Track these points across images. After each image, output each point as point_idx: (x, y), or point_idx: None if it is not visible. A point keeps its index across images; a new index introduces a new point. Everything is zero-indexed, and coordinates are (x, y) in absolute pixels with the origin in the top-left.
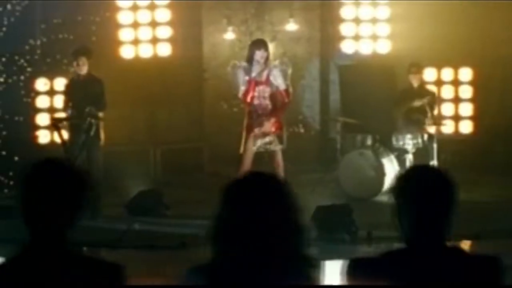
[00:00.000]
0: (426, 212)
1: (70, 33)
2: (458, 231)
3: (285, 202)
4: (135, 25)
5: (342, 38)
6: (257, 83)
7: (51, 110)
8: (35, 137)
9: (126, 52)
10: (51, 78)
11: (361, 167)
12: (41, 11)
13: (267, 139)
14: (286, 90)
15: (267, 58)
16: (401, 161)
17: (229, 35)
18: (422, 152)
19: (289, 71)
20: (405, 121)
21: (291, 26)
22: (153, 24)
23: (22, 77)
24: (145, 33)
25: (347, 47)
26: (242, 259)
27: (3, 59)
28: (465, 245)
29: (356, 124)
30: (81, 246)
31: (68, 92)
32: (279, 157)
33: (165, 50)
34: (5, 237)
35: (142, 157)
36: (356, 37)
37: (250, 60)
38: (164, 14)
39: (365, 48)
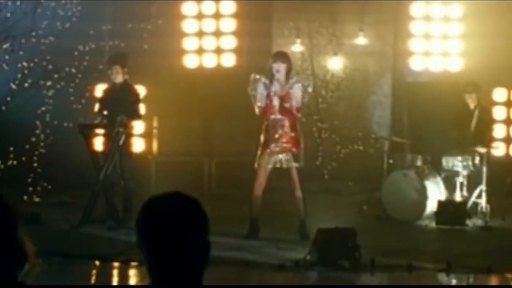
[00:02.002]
0: (166, 249)
1: (121, 40)
2: None
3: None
4: (199, 34)
5: (411, 54)
6: (277, 98)
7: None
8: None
9: (190, 61)
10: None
11: (403, 189)
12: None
13: (282, 156)
14: (299, 107)
15: (288, 72)
16: (450, 184)
17: (297, 47)
18: (475, 175)
19: (310, 89)
20: (457, 143)
21: (361, 40)
22: (218, 33)
23: (72, 84)
24: (209, 42)
25: (416, 63)
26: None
27: (51, 66)
28: None
29: (405, 143)
30: (87, 258)
31: (102, 100)
32: (295, 175)
33: (229, 60)
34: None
35: (197, 168)
36: (427, 54)
37: (270, 74)
38: (229, 24)
39: (435, 65)
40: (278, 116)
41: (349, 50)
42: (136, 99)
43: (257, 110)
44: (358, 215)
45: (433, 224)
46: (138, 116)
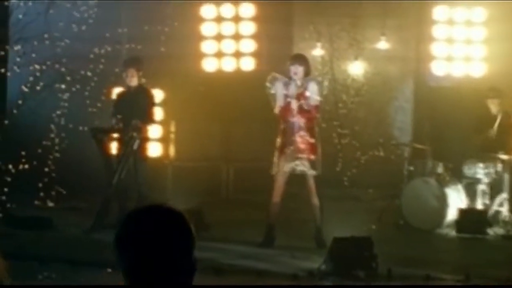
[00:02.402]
0: (146, 266)
1: (138, 43)
2: None
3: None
4: (219, 37)
5: (433, 58)
6: (295, 101)
7: None
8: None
9: (209, 65)
10: None
11: (423, 196)
12: (106, 21)
13: (299, 162)
14: (317, 106)
15: (306, 75)
16: (472, 191)
17: (318, 51)
18: (497, 182)
19: (324, 90)
20: (479, 149)
21: (383, 45)
22: (237, 36)
23: (87, 87)
24: (228, 46)
25: (438, 68)
26: None
27: (64, 69)
28: None
29: (426, 149)
30: (97, 265)
31: (117, 103)
32: (311, 183)
33: (248, 64)
34: None
35: (214, 174)
36: (449, 58)
37: (288, 77)
38: (248, 27)
39: (458, 70)
40: (296, 119)
41: (370, 55)
42: (151, 103)
43: (277, 110)
44: (378, 223)
45: (453, 233)
46: (152, 121)
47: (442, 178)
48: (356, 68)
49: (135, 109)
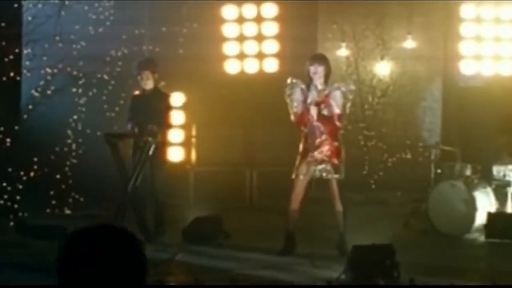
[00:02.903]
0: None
1: (156, 44)
2: None
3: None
4: (241, 38)
5: (462, 57)
6: (315, 104)
7: None
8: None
9: (231, 67)
10: None
11: (451, 200)
12: (123, 22)
13: (321, 166)
14: (340, 115)
15: (327, 76)
16: (502, 194)
17: (342, 51)
18: None
19: (350, 95)
20: (509, 150)
21: (410, 44)
22: (260, 37)
23: (105, 91)
24: (251, 47)
25: (467, 67)
26: None
27: (75, 72)
28: None
29: (455, 151)
30: None
31: (132, 107)
32: (335, 187)
33: (271, 65)
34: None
35: (238, 179)
36: (478, 57)
37: (308, 78)
38: (271, 28)
39: (487, 69)
40: (317, 124)
41: (397, 54)
42: (167, 107)
43: (292, 117)
44: (404, 229)
45: (482, 238)
46: (168, 125)
47: (470, 181)
48: (382, 68)
49: (151, 113)
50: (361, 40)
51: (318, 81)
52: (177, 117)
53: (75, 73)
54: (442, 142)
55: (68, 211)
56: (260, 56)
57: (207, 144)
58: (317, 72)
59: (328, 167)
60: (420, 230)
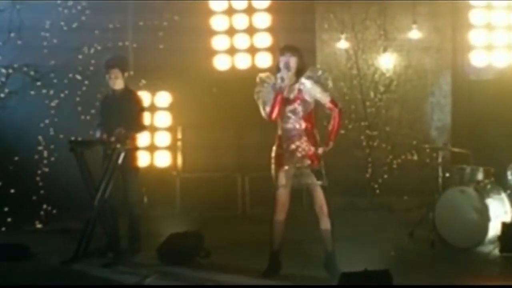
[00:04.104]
0: None
1: (136, 39)
2: None
3: None
4: (231, 31)
5: (472, 48)
6: (287, 102)
7: None
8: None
9: (221, 63)
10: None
11: (460, 208)
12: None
13: (300, 173)
14: (332, 101)
15: (299, 71)
16: None
17: (342, 43)
18: None
19: (329, 81)
20: None
21: (415, 34)
22: (251, 30)
23: (78, 92)
24: (242, 40)
25: (478, 58)
26: None
27: (51, 73)
28: None
29: (466, 153)
30: None
31: (101, 111)
32: (321, 195)
33: (265, 60)
34: None
35: (228, 186)
36: (489, 47)
37: (277, 71)
38: (263, 19)
39: (500, 60)
40: (294, 124)
41: (401, 46)
42: (139, 108)
43: (263, 114)
44: (408, 240)
45: (496, 252)
46: (141, 128)
47: (483, 186)
48: (385, 61)
49: (121, 116)
50: (361, 31)
51: (286, 74)
52: (162, 118)
53: (32, 73)
54: (452, 141)
55: (39, 225)
56: (252, 50)
57: (194, 148)
58: (288, 62)
59: (309, 173)
60: (426, 241)
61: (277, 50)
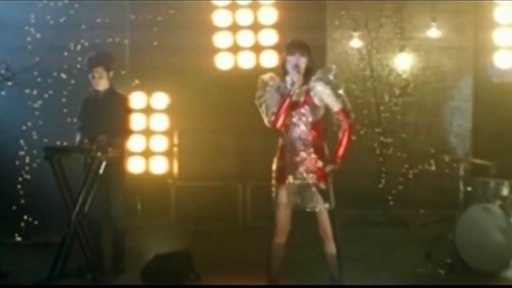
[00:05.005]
0: None
1: (123, 36)
2: None
3: None
4: (234, 28)
5: (496, 48)
6: (294, 106)
7: None
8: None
9: (222, 62)
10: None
11: (484, 228)
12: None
13: (305, 193)
14: (343, 110)
15: (308, 71)
16: None
17: (355, 42)
18: None
19: (340, 81)
20: None
21: (434, 33)
22: (256, 27)
23: (64, 92)
24: (245, 38)
25: (502, 60)
26: None
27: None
28: None
29: (488, 165)
30: None
31: (82, 114)
32: (325, 218)
33: (270, 59)
34: None
35: (229, 195)
36: None
37: (284, 73)
38: (269, 15)
39: None
40: (299, 132)
41: (419, 45)
42: (125, 111)
43: (266, 121)
44: (425, 262)
45: None
46: (127, 134)
47: (509, 203)
48: (401, 62)
49: (104, 120)
50: (376, 28)
51: (296, 77)
52: (159, 121)
53: (2, 71)
54: (473, 149)
55: (18, 239)
56: (257, 48)
57: (191, 154)
58: (299, 65)
59: (314, 194)
60: (445, 264)
61: (284, 47)
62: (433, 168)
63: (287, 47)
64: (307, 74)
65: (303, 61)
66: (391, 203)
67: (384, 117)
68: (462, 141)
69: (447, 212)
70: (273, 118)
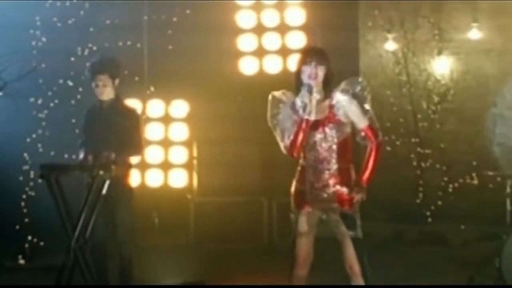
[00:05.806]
0: None
1: (137, 38)
2: None
3: None
4: (259, 30)
5: None
6: (315, 125)
7: None
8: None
9: (246, 66)
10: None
11: None
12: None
13: (328, 218)
14: (371, 128)
15: (327, 82)
16: None
17: (389, 45)
18: None
19: (367, 94)
20: None
21: (475, 34)
22: (283, 28)
23: (72, 101)
24: (271, 40)
25: None
26: None
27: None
28: None
29: None
30: None
31: (85, 127)
32: (351, 251)
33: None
34: None
35: (252, 212)
36: None
37: (298, 86)
38: (296, 16)
39: None
40: (320, 152)
41: (459, 48)
42: (132, 124)
43: (282, 146)
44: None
45: None
46: (136, 151)
47: None
48: (440, 66)
49: (109, 134)
50: (412, 30)
51: (317, 94)
52: (178, 131)
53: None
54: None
55: (22, 261)
56: (284, 51)
57: (212, 167)
58: (317, 75)
59: (338, 219)
60: None
61: (299, 54)
62: (475, 182)
63: (301, 55)
64: (326, 85)
65: (321, 71)
66: (429, 219)
67: (422, 126)
68: (505, 151)
69: (490, 229)
70: (288, 143)
